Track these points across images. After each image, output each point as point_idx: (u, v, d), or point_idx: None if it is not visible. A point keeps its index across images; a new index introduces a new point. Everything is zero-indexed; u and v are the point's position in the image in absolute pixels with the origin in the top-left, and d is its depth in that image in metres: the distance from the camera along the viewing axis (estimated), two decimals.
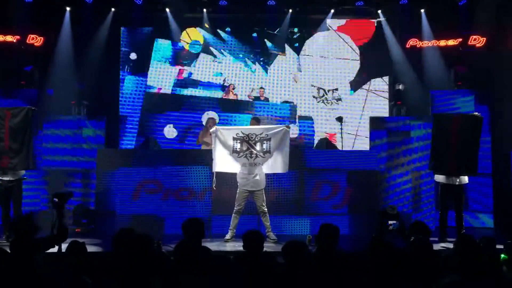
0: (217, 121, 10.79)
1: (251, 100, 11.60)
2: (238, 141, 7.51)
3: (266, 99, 11.62)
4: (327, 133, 11.38)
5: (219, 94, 11.61)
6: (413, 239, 4.61)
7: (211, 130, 7.77)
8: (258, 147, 7.47)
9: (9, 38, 10.04)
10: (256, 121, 8.83)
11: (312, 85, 11.50)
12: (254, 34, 11.70)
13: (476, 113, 7.90)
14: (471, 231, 7.47)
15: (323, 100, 11.46)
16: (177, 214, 8.01)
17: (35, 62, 9.70)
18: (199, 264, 3.53)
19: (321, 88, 11.48)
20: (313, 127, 11.50)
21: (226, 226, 7.51)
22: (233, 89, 11.61)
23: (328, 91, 11.51)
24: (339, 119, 10.38)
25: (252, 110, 11.51)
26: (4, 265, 3.28)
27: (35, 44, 10.17)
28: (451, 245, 6.68)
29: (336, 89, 11.48)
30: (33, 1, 10.28)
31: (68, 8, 10.54)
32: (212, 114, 11.28)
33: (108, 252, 4.70)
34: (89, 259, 3.94)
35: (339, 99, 11.44)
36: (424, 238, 4.65)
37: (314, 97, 11.51)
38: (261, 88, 11.62)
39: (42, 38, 10.21)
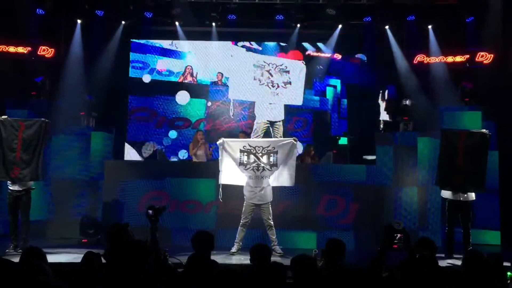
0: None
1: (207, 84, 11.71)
2: (245, 153, 7.54)
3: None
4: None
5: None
6: (419, 256, 4.59)
7: (218, 143, 7.79)
8: (265, 159, 7.49)
9: (20, 49, 10.22)
10: (245, 135, 8.99)
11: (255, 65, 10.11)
12: None
13: (484, 130, 7.87)
14: (478, 248, 7.41)
15: (267, 83, 10.06)
16: (183, 226, 8.06)
17: (45, 73, 9.79)
18: (210, 278, 3.52)
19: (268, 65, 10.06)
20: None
21: (232, 239, 7.52)
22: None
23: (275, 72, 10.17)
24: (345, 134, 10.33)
25: (207, 96, 11.69)
26: (11, 277, 3.28)
27: (46, 55, 10.34)
28: (458, 262, 6.69)
29: (287, 72, 10.08)
30: (44, 13, 10.46)
31: (79, 21, 10.70)
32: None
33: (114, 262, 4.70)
34: (103, 271, 3.94)
35: (289, 83, 10.07)
36: (430, 254, 4.62)
37: (255, 79, 10.16)
38: (219, 73, 11.77)
39: (53, 49, 10.39)
